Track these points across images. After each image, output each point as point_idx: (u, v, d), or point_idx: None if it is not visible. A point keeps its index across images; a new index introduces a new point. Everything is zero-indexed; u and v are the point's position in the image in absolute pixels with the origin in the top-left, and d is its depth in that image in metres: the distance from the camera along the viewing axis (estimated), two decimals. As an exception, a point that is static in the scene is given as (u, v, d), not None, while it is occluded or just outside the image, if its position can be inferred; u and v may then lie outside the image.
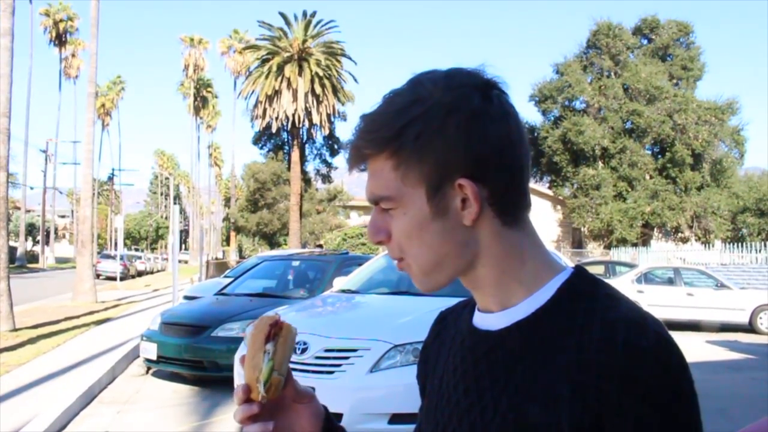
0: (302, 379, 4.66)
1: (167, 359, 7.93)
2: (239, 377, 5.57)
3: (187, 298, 11.39)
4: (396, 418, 4.73)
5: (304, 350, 5.00)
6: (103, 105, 69.60)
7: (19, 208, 55.85)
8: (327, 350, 4.97)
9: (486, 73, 0.86)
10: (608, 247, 32.02)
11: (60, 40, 61.78)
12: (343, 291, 6.76)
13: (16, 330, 12.51)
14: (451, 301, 1.07)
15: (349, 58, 39.33)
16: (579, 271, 0.86)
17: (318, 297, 7.10)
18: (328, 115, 38.08)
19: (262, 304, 7.97)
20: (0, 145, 13.48)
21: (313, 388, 3.65)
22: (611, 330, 0.76)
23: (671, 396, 0.74)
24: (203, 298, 9.75)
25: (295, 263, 9.61)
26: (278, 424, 0.94)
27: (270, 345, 0.92)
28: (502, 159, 0.83)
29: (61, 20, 61.17)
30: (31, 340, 11.39)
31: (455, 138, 0.81)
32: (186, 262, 61.74)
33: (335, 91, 38.18)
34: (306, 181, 41.14)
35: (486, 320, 0.88)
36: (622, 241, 31.07)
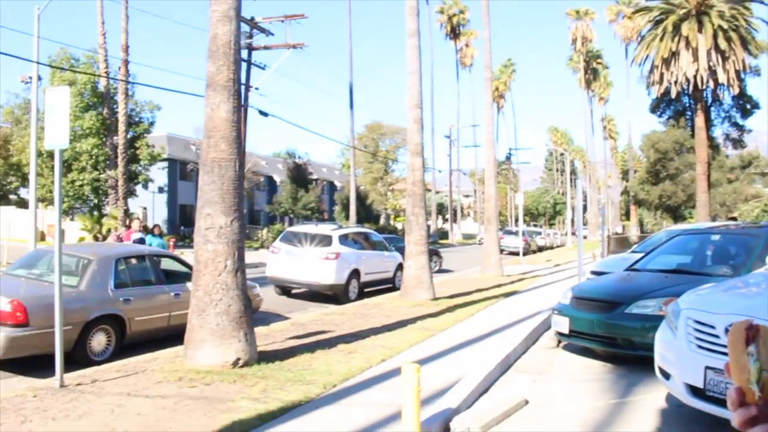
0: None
1: (579, 333, 7.84)
2: (661, 360, 5.23)
3: (594, 273, 11.20)
4: None
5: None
6: (496, 88, 73.22)
7: (430, 190, 62.09)
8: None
9: None
10: None
11: (454, 33, 67.26)
12: (783, 268, 5.83)
13: (435, 299, 13.85)
14: None
15: (761, 2, 34.53)
16: None
17: (748, 275, 6.23)
18: (737, 72, 34.00)
19: (678, 282, 7.36)
20: (415, 134, 14.97)
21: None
22: None
23: None
24: (612, 274, 9.45)
25: (715, 237, 8.67)
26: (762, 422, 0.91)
27: (752, 347, 0.98)
28: None
29: (453, 15, 66.58)
30: (449, 309, 12.45)
31: None
32: (585, 237, 61.68)
33: (744, 44, 33.89)
34: (713, 147, 37.54)
35: None
36: None
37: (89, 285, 8.26)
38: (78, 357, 7.73)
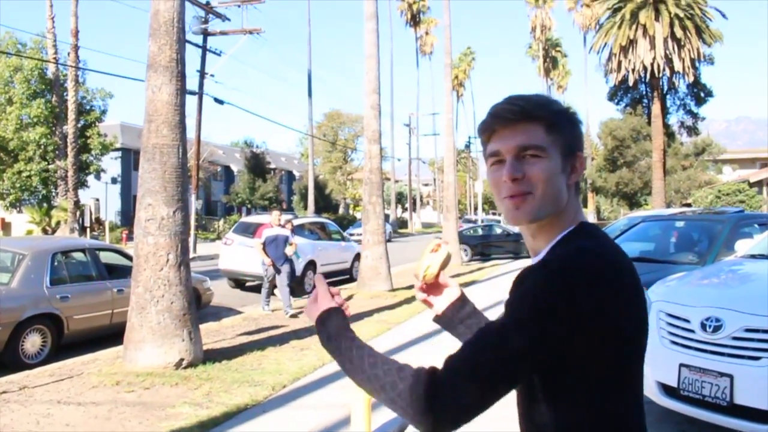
0: (717, 363, 3.71)
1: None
2: None
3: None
4: None
5: (716, 328, 4.11)
6: (456, 77, 73.11)
7: (389, 179, 61.70)
8: (749, 330, 4.01)
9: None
10: None
11: (414, 20, 67.06)
12: (753, 256, 5.58)
13: (393, 290, 13.52)
14: None
15: (716, -9, 34.87)
16: (580, 227, 1.32)
17: (720, 264, 5.98)
18: (692, 60, 34.37)
19: (642, 270, 7.07)
20: (372, 120, 14.59)
21: (731, 376, 3.01)
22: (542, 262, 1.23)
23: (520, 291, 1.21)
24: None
25: (679, 224, 8.45)
26: (431, 296, 1.63)
27: (432, 254, 1.56)
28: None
29: (414, 2, 66.05)
30: (407, 300, 12.12)
31: (576, 129, 1.35)
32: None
33: (699, 32, 34.25)
34: (669, 135, 37.91)
35: None
36: None
37: (22, 282, 7.67)
38: (9, 360, 7.19)
